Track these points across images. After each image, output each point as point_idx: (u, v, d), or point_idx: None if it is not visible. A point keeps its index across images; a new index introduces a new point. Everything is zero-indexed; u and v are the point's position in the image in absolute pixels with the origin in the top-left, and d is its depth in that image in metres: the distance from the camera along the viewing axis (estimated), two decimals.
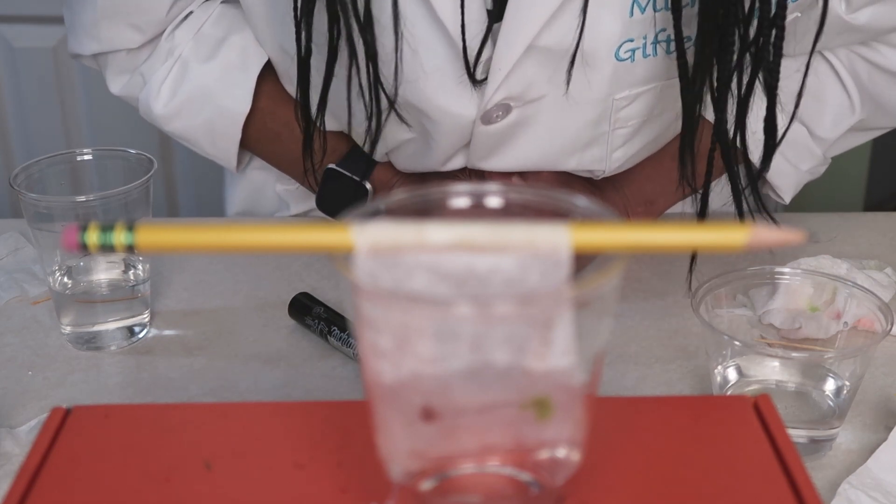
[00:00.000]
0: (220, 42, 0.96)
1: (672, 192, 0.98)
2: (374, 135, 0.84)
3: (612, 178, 0.95)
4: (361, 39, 0.79)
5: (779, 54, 0.77)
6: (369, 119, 0.83)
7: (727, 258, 0.94)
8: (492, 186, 0.47)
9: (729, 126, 0.82)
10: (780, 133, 0.82)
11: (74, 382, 0.82)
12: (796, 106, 0.82)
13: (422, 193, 0.46)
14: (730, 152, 0.83)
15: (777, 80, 0.78)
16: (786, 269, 0.79)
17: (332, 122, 0.91)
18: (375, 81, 0.80)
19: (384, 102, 0.82)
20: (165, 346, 0.86)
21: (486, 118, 0.84)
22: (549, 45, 0.80)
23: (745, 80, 0.80)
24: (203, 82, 0.96)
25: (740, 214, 0.88)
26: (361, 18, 0.78)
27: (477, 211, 0.46)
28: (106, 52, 0.97)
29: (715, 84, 0.79)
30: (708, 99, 0.82)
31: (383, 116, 0.83)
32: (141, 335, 0.87)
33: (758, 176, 0.85)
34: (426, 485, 0.45)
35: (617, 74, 0.82)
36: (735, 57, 0.77)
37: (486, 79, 0.82)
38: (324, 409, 0.53)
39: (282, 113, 0.98)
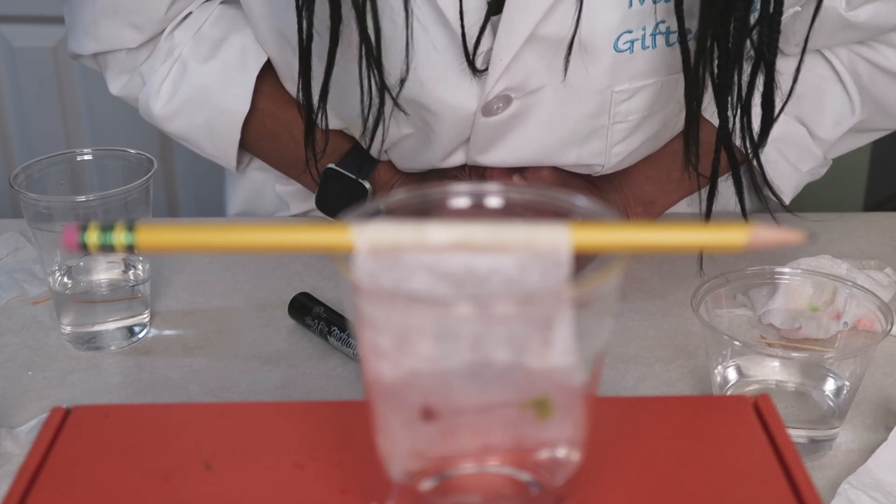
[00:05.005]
0: (220, 42, 0.96)
1: (672, 193, 0.98)
2: (377, 119, 0.84)
3: (611, 178, 0.95)
4: (369, 19, 0.79)
5: (776, 28, 0.78)
6: (378, 99, 0.83)
7: (727, 258, 0.94)
8: (492, 186, 0.47)
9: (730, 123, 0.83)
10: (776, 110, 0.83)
11: (74, 382, 0.82)
12: (794, 83, 0.83)
13: (422, 193, 0.46)
14: (730, 137, 0.83)
15: (775, 54, 0.79)
16: (786, 269, 0.79)
17: (333, 120, 0.91)
18: (378, 61, 0.80)
19: (390, 85, 0.82)
20: (165, 346, 0.86)
21: (487, 110, 0.85)
22: (550, 35, 0.80)
23: (747, 78, 0.80)
24: (202, 82, 0.96)
25: (742, 205, 0.89)
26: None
27: (477, 211, 0.46)
28: (105, 52, 0.97)
29: (716, 71, 0.80)
30: (708, 97, 0.82)
31: (390, 98, 0.83)
32: (141, 335, 0.87)
33: (756, 148, 0.85)
34: (426, 485, 0.45)
35: (616, 65, 0.82)
36: (736, 36, 0.79)
37: (486, 69, 0.82)
38: (324, 409, 0.53)
39: (281, 114, 0.98)
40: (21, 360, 0.85)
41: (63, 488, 0.47)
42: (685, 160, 0.85)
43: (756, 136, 0.85)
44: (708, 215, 0.88)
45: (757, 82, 0.81)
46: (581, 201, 0.45)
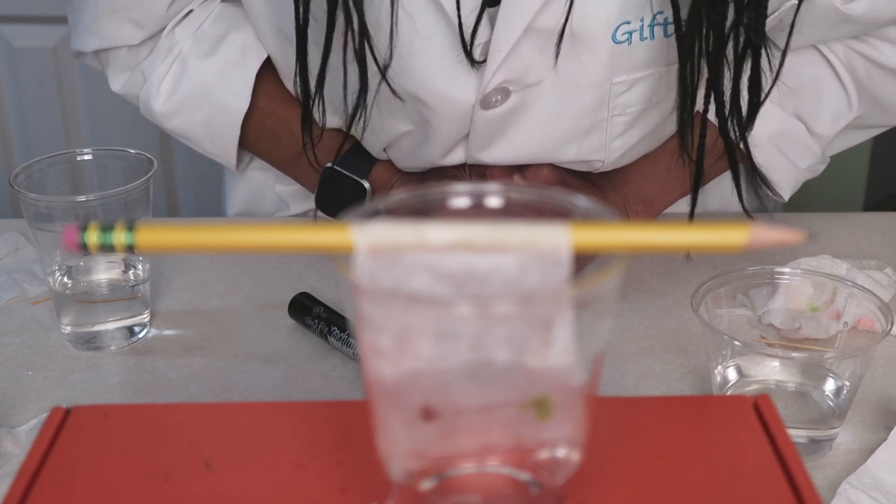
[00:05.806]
0: (220, 40, 0.96)
1: (671, 191, 0.98)
2: (357, 104, 0.84)
3: (610, 177, 0.95)
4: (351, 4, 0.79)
5: (763, 13, 0.79)
6: (359, 84, 0.83)
7: (727, 258, 0.94)
8: (492, 186, 0.47)
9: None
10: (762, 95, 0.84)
11: (74, 382, 0.82)
12: (780, 63, 0.84)
13: (422, 193, 0.46)
14: (727, 126, 0.84)
15: (762, 39, 0.80)
16: (786, 269, 0.79)
17: (333, 118, 0.91)
18: (361, 46, 0.80)
19: (375, 72, 0.82)
20: (165, 346, 0.86)
21: (486, 102, 0.85)
22: (547, 27, 0.81)
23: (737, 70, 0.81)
24: (202, 80, 0.96)
25: (741, 198, 0.89)
26: None
27: (477, 211, 0.46)
28: (107, 49, 0.98)
29: (710, 49, 0.81)
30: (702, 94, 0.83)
31: (374, 83, 0.83)
32: (141, 335, 0.87)
33: (743, 129, 0.86)
34: (426, 485, 0.45)
35: (614, 57, 0.83)
36: (728, 24, 0.79)
37: (484, 61, 0.82)
38: (324, 409, 0.53)
39: (281, 112, 0.98)
40: (21, 360, 0.85)
41: (63, 488, 0.47)
42: (680, 148, 0.85)
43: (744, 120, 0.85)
44: (693, 201, 0.88)
45: (745, 67, 0.82)
46: (581, 201, 0.45)
